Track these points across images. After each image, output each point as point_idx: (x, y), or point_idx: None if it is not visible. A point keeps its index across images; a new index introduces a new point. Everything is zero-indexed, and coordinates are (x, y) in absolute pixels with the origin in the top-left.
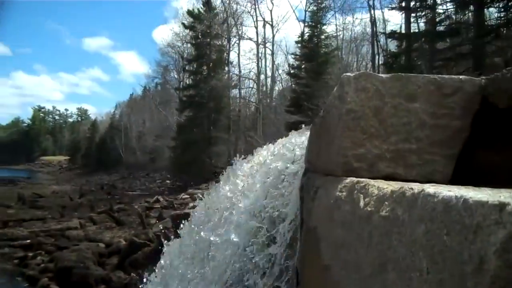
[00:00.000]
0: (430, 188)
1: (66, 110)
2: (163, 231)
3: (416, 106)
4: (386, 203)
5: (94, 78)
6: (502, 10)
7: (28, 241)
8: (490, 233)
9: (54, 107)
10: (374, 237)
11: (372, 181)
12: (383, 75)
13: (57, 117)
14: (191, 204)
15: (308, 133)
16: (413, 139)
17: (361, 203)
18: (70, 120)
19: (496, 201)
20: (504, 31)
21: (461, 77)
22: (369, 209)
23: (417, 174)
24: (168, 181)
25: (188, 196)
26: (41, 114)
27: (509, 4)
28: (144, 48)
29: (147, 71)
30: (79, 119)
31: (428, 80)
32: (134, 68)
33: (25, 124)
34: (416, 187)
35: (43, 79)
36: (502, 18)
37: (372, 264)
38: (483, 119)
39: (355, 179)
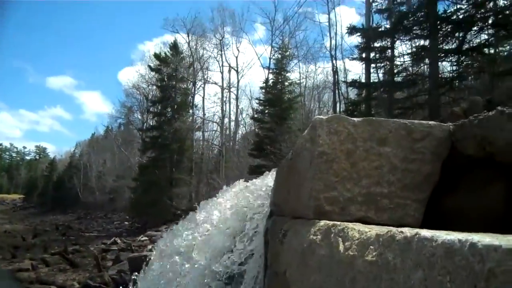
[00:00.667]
0: (425, 232)
1: (24, 147)
2: (120, 274)
3: (388, 150)
4: (371, 247)
5: (56, 116)
6: (455, 64)
7: None
8: (506, 280)
9: (11, 144)
10: (359, 282)
11: (350, 224)
12: (355, 119)
13: (14, 155)
14: (149, 247)
15: (271, 176)
16: (385, 182)
17: (341, 247)
18: (28, 158)
19: (510, 246)
20: (457, 84)
21: (430, 122)
22: (351, 253)
23: (389, 218)
24: (126, 223)
25: (147, 238)
26: None
27: (461, 58)
28: (108, 89)
29: (110, 111)
30: (37, 157)
31: (399, 125)
32: (97, 108)
33: None
34: (407, 230)
35: (3, 116)
36: (455, 72)
37: None
38: (452, 164)
39: (330, 222)
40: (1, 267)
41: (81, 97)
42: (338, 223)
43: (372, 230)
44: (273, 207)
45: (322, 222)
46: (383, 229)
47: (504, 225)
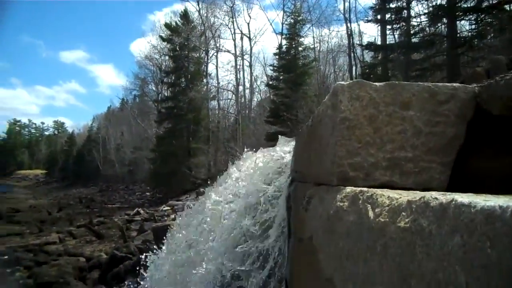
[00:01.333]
0: (462, 198)
1: (43, 123)
2: (145, 243)
3: (411, 114)
4: (403, 213)
5: (71, 91)
6: (474, 22)
7: (6, 257)
8: None
9: (30, 121)
10: (390, 248)
11: (378, 191)
12: (377, 84)
13: (33, 131)
14: (172, 216)
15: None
16: (409, 147)
17: (370, 214)
18: (47, 133)
19: None
20: (476, 43)
21: (455, 84)
22: (382, 219)
23: (413, 182)
24: (147, 193)
25: (169, 208)
26: (17, 128)
27: (480, 17)
28: (121, 61)
29: (124, 83)
30: (56, 132)
31: (422, 87)
32: (111, 81)
33: (0, 138)
34: (442, 197)
35: (19, 92)
36: (474, 30)
37: (390, 278)
38: (477, 126)
39: (356, 189)
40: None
41: (94, 70)
42: (366, 189)
43: (403, 196)
44: (294, 173)
45: (349, 189)
46: (415, 195)
47: None
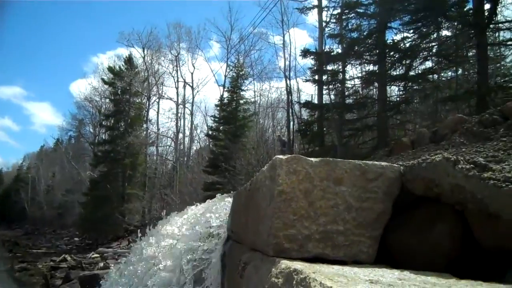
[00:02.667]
0: None
1: None
2: None
3: (343, 189)
4: None
5: (3, 127)
6: (402, 89)
7: None
8: None
9: None
10: None
11: (311, 273)
12: (313, 159)
13: None
14: (101, 264)
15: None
16: (341, 220)
17: None
18: None
19: None
20: (404, 107)
21: (383, 163)
22: None
23: (344, 254)
24: (76, 239)
25: (98, 255)
26: None
27: (408, 84)
28: (59, 100)
29: (61, 123)
30: None
31: (354, 165)
32: (47, 120)
33: None
34: None
35: None
36: (402, 96)
37: None
38: (402, 202)
39: (291, 266)
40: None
41: (30, 108)
42: (300, 267)
43: (334, 286)
44: (231, 232)
45: (283, 265)
46: (343, 286)
47: (449, 262)
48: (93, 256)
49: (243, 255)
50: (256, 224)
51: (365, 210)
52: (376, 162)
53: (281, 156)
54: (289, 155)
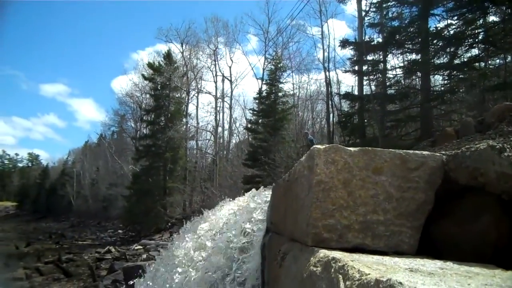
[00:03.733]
0: (423, 286)
1: (17, 154)
2: (114, 284)
3: (383, 179)
4: None
5: (49, 124)
6: (446, 78)
7: None
8: None
9: (3, 151)
10: None
11: (350, 261)
12: (352, 149)
13: (6, 162)
14: (144, 255)
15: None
16: (381, 210)
17: (341, 285)
18: (20, 165)
19: None
20: (448, 97)
21: (424, 152)
22: None
23: (385, 245)
24: (120, 231)
25: (141, 247)
26: None
27: (452, 72)
28: (101, 97)
29: (103, 119)
30: (30, 165)
31: (394, 154)
32: (90, 116)
33: None
34: (406, 282)
35: None
36: (447, 85)
37: None
38: (445, 192)
39: (330, 255)
40: None
41: (74, 104)
42: (338, 256)
43: (372, 272)
44: (270, 224)
45: (322, 253)
46: (383, 273)
47: (495, 252)
48: (136, 248)
49: (282, 246)
50: (294, 215)
51: (406, 200)
52: (417, 151)
53: (319, 146)
54: (327, 145)
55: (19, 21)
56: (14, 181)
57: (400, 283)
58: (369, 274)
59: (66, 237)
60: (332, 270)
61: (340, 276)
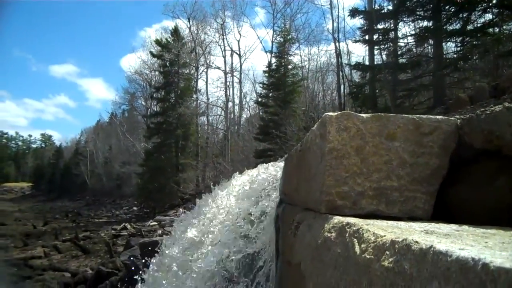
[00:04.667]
0: (440, 245)
1: (30, 136)
2: (131, 259)
3: (396, 145)
4: (387, 252)
5: (60, 104)
6: (459, 45)
7: None
8: None
9: (17, 133)
10: (375, 285)
11: (364, 225)
12: (364, 115)
13: (20, 143)
14: (159, 231)
15: (281, 164)
16: (395, 176)
17: (357, 249)
18: (34, 146)
19: None
20: (461, 64)
21: (438, 117)
22: (367, 256)
23: (399, 211)
24: (135, 208)
25: (156, 223)
26: (3, 140)
27: (465, 39)
28: (111, 75)
29: (114, 97)
30: (43, 145)
31: (407, 120)
32: (101, 95)
33: None
34: (422, 240)
35: (7, 105)
36: (459, 52)
37: None
38: (459, 157)
39: (344, 220)
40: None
41: (84, 84)
42: (352, 221)
43: (387, 234)
44: (283, 195)
45: (336, 219)
46: (398, 234)
47: (511, 217)
48: (151, 224)
49: (296, 215)
50: (308, 183)
51: (420, 165)
52: (430, 116)
53: (330, 113)
54: (339, 112)
55: (26, 5)
56: (28, 162)
57: (416, 241)
58: (384, 236)
59: (82, 215)
60: (347, 235)
61: (355, 239)
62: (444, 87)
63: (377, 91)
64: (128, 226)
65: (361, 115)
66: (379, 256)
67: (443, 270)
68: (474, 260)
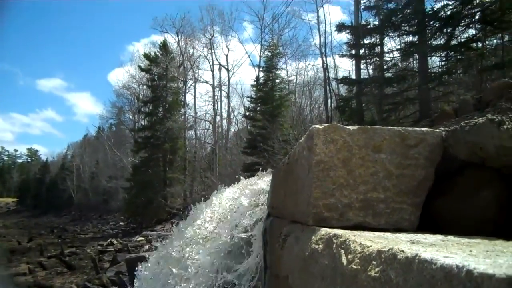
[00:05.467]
0: (425, 254)
1: (16, 150)
2: (118, 275)
3: (383, 157)
4: (373, 262)
5: (47, 118)
6: (444, 59)
7: None
8: None
9: (2, 148)
10: None
11: (351, 236)
12: (351, 127)
13: (5, 158)
14: (146, 247)
15: (267, 178)
16: (381, 188)
17: (344, 259)
18: (20, 161)
19: (503, 275)
20: (446, 78)
21: (423, 129)
22: (354, 267)
23: (386, 222)
24: (122, 223)
25: (143, 238)
26: None
27: (450, 53)
28: (98, 90)
29: (101, 112)
30: (29, 160)
31: (393, 132)
32: (88, 109)
33: None
34: (407, 250)
35: None
36: (444, 67)
37: None
38: (444, 168)
39: (331, 232)
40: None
41: (71, 98)
42: (340, 232)
43: (374, 245)
44: (271, 209)
45: (323, 231)
46: (384, 244)
47: (496, 227)
48: (138, 239)
49: (284, 228)
50: (295, 196)
51: (406, 177)
52: (416, 128)
53: (318, 126)
54: (326, 124)
55: (14, 18)
56: (14, 177)
57: (402, 251)
58: (370, 246)
59: (68, 231)
60: (334, 246)
61: (342, 250)
62: (429, 101)
63: (363, 105)
64: (115, 242)
65: (347, 127)
66: (366, 266)
67: (428, 278)
68: (458, 267)
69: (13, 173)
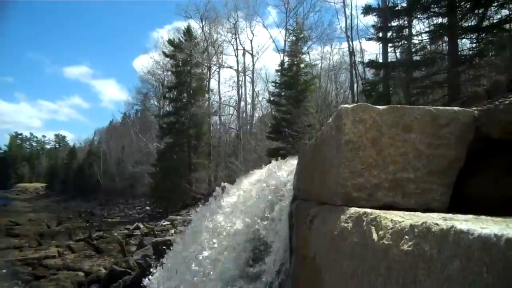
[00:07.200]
0: (461, 225)
1: (44, 136)
2: (145, 258)
3: (413, 136)
4: (406, 237)
5: (74, 105)
6: (474, 41)
7: (4, 270)
8: None
9: (31, 134)
10: (394, 270)
11: (381, 213)
12: (380, 107)
13: (34, 144)
14: (172, 231)
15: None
16: (411, 168)
17: (374, 236)
18: (48, 146)
19: None
20: (477, 61)
21: (455, 108)
22: (385, 242)
23: (415, 202)
24: (148, 208)
25: (169, 223)
26: (18, 141)
27: (481, 35)
28: (124, 76)
29: (127, 98)
30: (57, 146)
31: (424, 111)
32: (114, 96)
33: (1, 151)
34: (443, 222)
35: (22, 106)
36: (475, 49)
37: None
38: (477, 148)
39: (360, 210)
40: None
41: (97, 85)
42: (369, 211)
43: (406, 220)
44: (297, 191)
45: (353, 210)
46: (417, 219)
47: None
48: (164, 223)
49: (311, 210)
50: (323, 177)
51: (436, 157)
52: (447, 108)
53: (346, 105)
54: (355, 104)
55: (41, 8)
56: (42, 162)
57: (436, 224)
58: (402, 221)
59: (96, 215)
60: (364, 223)
61: (373, 227)
62: (459, 85)
63: (390, 89)
64: (141, 226)
65: (377, 106)
66: (398, 241)
67: (465, 248)
68: (497, 236)
69: (42, 159)
